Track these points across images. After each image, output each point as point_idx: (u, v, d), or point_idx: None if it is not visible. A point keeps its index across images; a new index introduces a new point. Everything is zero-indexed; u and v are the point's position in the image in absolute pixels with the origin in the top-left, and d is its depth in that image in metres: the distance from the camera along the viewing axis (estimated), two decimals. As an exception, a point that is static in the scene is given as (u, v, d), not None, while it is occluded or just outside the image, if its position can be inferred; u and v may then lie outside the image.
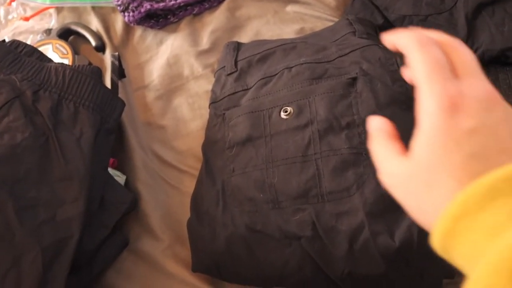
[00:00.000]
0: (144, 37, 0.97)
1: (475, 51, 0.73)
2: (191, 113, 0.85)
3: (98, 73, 0.73)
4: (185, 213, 0.73)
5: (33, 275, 0.57)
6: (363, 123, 0.63)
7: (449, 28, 0.76)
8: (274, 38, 0.89)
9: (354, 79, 0.68)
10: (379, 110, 0.64)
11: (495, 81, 0.72)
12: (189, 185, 0.77)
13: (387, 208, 0.58)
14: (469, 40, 0.74)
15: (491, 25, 0.73)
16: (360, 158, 0.61)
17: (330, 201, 0.60)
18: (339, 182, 0.60)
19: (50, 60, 0.75)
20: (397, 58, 0.70)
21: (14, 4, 1.06)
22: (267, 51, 0.79)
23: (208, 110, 0.81)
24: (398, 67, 0.69)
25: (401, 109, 0.65)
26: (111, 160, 0.78)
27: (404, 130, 0.63)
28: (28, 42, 0.97)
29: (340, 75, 0.69)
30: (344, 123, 0.64)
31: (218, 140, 0.72)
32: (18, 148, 0.62)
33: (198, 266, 0.67)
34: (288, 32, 0.90)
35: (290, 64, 0.74)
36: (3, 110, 0.65)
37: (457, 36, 0.73)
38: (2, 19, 1.05)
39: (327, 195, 0.60)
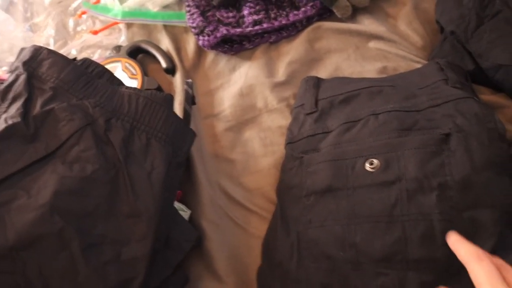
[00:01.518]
0: (217, 62, 0.94)
1: None
2: (262, 148, 0.81)
3: (170, 102, 0.70)
4: (252, 257, 0.70)
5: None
6: (456, 186, 0.58)
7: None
8: (355, 74, 0.85)
9: (448, 135, 0.63)
10: (474, 173, 0.59)
11: None
12: (257, 226, 0.73)
13: None
14: None
15: None
16: (450, 226, 0.56)
17: (415, 269, 0.56)
18: (427, 250, 0.56)
19: (120, 83, 0.72)
20: (495, 115, 0.65)
21: (84, 16, 1.04)
22: (351, 93, 0.75)
23: (281, 147, 0.78)
24: (496, 125, 0.64)
25: (496, 173, 0.60)
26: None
27: (498, 197, 0.59)
28: (96, 57, 0.96)
29: (431, 129, 0.65)
30: (435, 183, 0.59)
31: (295, 186, 0.68)
32: (88, 180, 0.59)
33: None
34: (370, 70, 0.86)
35: (377, 110, 0.70)
36: (73, 138, 0.62)
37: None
38: (71, 30, 1.03)
39: (412, 262, 0.56)
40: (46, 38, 1.03)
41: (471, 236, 0.56)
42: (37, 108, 0.63)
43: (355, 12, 0.93)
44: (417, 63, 0.84)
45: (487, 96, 0.78)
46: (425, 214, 0.58)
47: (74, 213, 0.57)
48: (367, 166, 0.64)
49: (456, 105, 0.67)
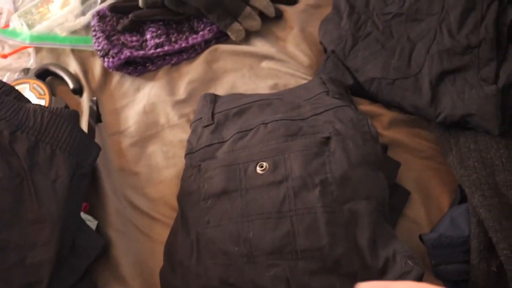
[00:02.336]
0: (122, 83, 0.95)
1: (438, 115, 0.75)
2: (165, 161, 0.84)
3: (76, 117, 0.71)
4: (156, 261, 0.72)
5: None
6: (335, 181, 0.64)
7: (414, 93, 0.78)
8: (249, 92, 0.90)
9: (328, 138, 0.69)
10: (351, 169, 0.65)
11: (456, 144, 0.73)
12: (160, 233, 0.75)
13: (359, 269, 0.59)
14: (433, 104, 0.76)
15: (452, 92, 0.75)
16: (333, 217, 0.61)
17: (304, 258, 0.60)
18: (313, 240, 0.60)
19: (27, 101, 0.73)
20: (368, 120, 0.71)
21: (-8, 40, 1.03)
22: (244, 106, 0.80)
23: (182, 159, 0.81)
24: (369, 128, 0.70)
25: (371, 169, 0.66)
26: (84, 204, 0.76)
27: (373, 190, 0.65)
28: (5, 79, 0.95)
29: (314, 134, 0.70)
30: (317, 180, 0.64)
31: (194, 191, 0.71)
32: (-8, 188, 0.60)
33: (169, 315, 0.65)
34: (263, 87, 0.90)
35: (266, 120, 0.74)
36: (-21, 149, 0.63)
37: (421, 101, 0.76)
38: (-21, 55, 1.02)
39: (301, 252, 0.60)
40: (-46, 62, 1.01)
41: (352, 226, 0.61)
42: None
43: (248, 36, 0.98)
44: (304, 80, 0.89)
45: (366, 106, 0.84)
46: (309, 208, 0.62)
47: (-23, 218, 0.57)
48: (258, 169, 0.68)
49: (335, 112, 0.73)
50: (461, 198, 0.71)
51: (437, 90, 0.76)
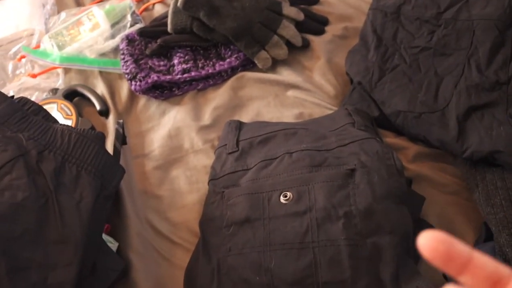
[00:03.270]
0: (148, 106, 0.96)
1: (464, 150, 0.74)
2: (188, 186, 0.84)
3: (102, 139, 0.71)
4: (175, 286, 0.71)
5: None
6: (359, 214, 0.62)
7: (441, 127, 0.77)
8: (274, 120, 0.89)
9: (353, 170, 0.68)
10: (375, 203, 0.64)
11: (483, 180, 0.72)
12: (181, 258, 0.75)
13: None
14: (459, 140, 0.75)
15: (480, 128, 0.74)
16: (356, 250, 0.60)
17: (326, 291, 0.59)
18: (335, 273, 0.59)
19: (55, 121, 0.74)
20: (393, 153, 0.70)
21: (23, 60, 1.05)
22: (269, 134, 0.79)
23: (205, 185, 0.80)
24: (395, 162, 0.69)
25: (395, 203, 0.65)
26: (105, 225, 0.76)
27: (397, 224, 0.63)
28: (33, 99, 0.96)
29: (339, 165, 0.69)
30: (341, 212, 0.63)
31: (216, 218, 0.70)
32: (18, 207, 0.60)
33: None
34: (288, 115, 0.90)
35: (291, 150, 0.74)
36: (6, 167, 0.63)
37: (448, 135, 0.75)
38: (9, 73, 1.03)
39: (323, 284, 0.59)
40: (-15, 81, 1.03)
41: (376, 260, 0.60)
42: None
43: (275, 64, 0.98)
44: (329, 110, 0.89)
45: (391, 139, 0.84)
46: (333, 240, 0.61)
47: (2, 236, 0.57)
48: (282, 199, 0.67)
49: (361, 144, 0.72)
50: (486, 236, 0.70)
51: (464, 125, 0.75)
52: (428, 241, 0.26)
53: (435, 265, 0.26)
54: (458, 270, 0.27)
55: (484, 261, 0.27)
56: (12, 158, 0.63)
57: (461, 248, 0.26)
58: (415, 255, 0.69)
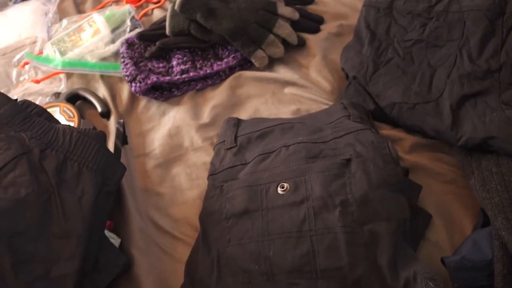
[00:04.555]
0: (148, 107, 0.97)
1: (459, 138, 0.74)
2: (188, 182, 0.84)
3: (103, 137, 0.72)
4: (177, 280, 0.71)
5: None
6: (356, 202, 0.63)
7: (436, 117, 0.77)
8: (272, 116, 0.90)
9: (348, 160, 0.68)
10: (371, 191, 0.64)
11: (478, 167, 0.72)
12: (182, 252, 0.75)
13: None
14: (454, 128, 0.75)
15: (473, 116, 0.74)
16: (353, 237, 0.60)
17: (323, 278, 0.59)
18: (333, 260, 0.59)
19: (57, 122, 0.75)
20: (388, 143, 0.70)
21: (27, 67, 1.06)
22: (266, 129, 0.80)
23: (205, 181, 0.80)
24: (390, 151, 0.69)
25: (391, 190, 0.65)
26: (108, 222, 0.76)
27: (394, 211, 0.63)
28: (37, 103, 0.97)
29: (335, 156, 0.69)
30: (338, 201, 0.63)
31: (215, 211, 0.71)
32: (21, 202, 0.60)
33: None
34: (285, 112, 0.90)
35: (288, 143, 0.74)
36: (10, 165, 0.64)
37: (442, 124, 0.75)
38: (13, 80, 1.05)
39: (320, 272, 0.59)
40: (-11, 88, 1.04)
41: (373, 246, 0.59)
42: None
43: (271, 63, 0.98)
44: (326, 105, 0.89)
45: (387, 130, 0.84)
46: (330, 228, 0.61)
47: (5, 231, 0.58)
48: (279, 190, 0.67)
49: (356, 135, 0.72)
50: (484, 222, 0.69)
51: (458, 114, 0.75)
52: None
53: None
54: None
55: None
56: (15, 156, 0.64)
57: None
58: (413, 243, 0.69)
